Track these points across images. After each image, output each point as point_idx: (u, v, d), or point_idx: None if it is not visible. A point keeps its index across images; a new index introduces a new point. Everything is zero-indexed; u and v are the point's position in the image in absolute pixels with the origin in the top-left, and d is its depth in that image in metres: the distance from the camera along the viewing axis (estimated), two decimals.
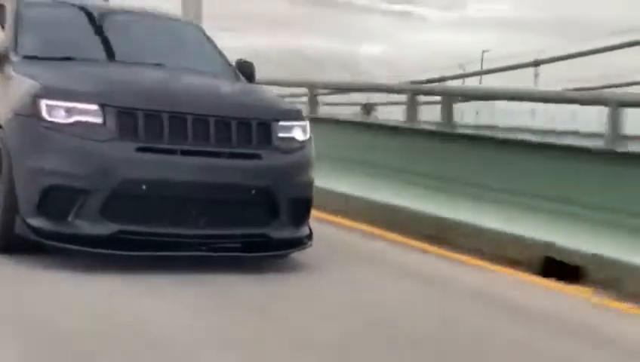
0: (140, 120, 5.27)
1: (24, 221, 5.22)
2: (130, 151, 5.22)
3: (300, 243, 5.81)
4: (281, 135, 5.71)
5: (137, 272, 5.24)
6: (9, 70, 5.95)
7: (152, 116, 5.31)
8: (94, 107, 5.26)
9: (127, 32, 6.83)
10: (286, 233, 5.69)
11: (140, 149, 5.24)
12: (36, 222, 5.20)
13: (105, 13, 6.98)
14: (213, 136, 5.43)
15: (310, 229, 5.93)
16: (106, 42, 6.60)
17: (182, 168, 5.34)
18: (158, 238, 5.31)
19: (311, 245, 5.87)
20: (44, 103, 5.26)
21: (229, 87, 6.43)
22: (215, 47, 7.13)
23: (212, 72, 6.71)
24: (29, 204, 5.21)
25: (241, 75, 6.83)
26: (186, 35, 7.17)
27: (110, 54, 6.44)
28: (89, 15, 6.88)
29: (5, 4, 6.97)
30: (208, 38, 7.21)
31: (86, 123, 5.24)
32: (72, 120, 5.24)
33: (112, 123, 5.24)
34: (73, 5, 7.03)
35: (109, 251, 5.21)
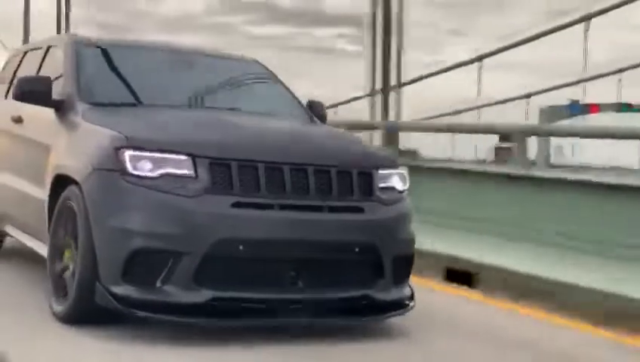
0: (234, 171, 4.70)
1: (106, 289, 4.61)
2: (226, 207, 4.64)
3: (402, 305, 5.21)
4: (381, 185, 5.14)
5: (231, 344, 4.66)
6: (75, 118, 5.40)
7: (247, 167, 4.74)
8: (184, 158, 4.68)
9: (194, 73, 6.31)
10: (390, 294, 5.10)
11: (236, 204, 4.66)
12: (121, 289, 4.59)
13: (163, 52, 6.47)
14: (313, 188, 4.86)
15: (412, 289, 5.34)
16: (174, 85, 6.07)
17: (281, 225, 4.75)
18: (254, 305, 4.71)
19: (413, 306, 5.28)
20: (127, 155, 4.68)
21: (315, 131, 5.87)
22: (283, 85, 6.63)
23: (287, 113, 6.19)
24: (113, 269, 4.61)
25: (314, 117, 6.34)
26: (251, 74, 6.64)
27: (182, 98, 5.90)
28: (150, 55, 6.37)
29: (55, 46, 6.47)
30: (274, 76, 6.70)
31: (175, 176, 4.66)
32: (159, 173, 4.65)
33: (204, 175, 4.66)
34: (130, 46, 6.52)
35: (203, 321, 4.61)
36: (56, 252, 5.12)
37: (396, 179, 5.27)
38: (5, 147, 6.67)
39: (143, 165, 4.66)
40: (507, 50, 21.60)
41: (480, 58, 24.21)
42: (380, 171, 5.16)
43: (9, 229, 6.59)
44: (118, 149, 4.71)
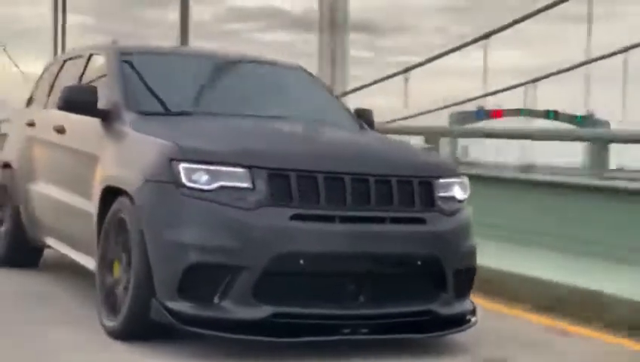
0: (293, 182, 4.51)
1: (162, 304, 4.44)
2: (285, 220, 4.45)
3: (465, 320, 5.00)
4: (442, 194, 4.94)
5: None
6: (123, 128, 5.24)
7: (306, 178, 4.55)
8: (241, 169, 4.50)
9: (239, 80, 6.15)
10: (452, 309, 4.89)
11: (295, 217, 4.47)
12: (177, 305, 4.41)
13: (206, 59, 6.32)
14: (374, 199, 4.67)
15: (473, 304, 5.14)
16: (221, 93, 5.91)
17: (342, 238, 4.55)
18: (315, 321, 4.52)
19: (476, 322, 5.07)
20: (182, 167, 4.50)
21: (370, 139, 5.68)
22: (330, 92, 6.45)
23: (336, 121, 6.01)
24: (169, 284, 4.43)
25: (364, 124, 6.16)
26: (297, 80, 6.47)
27: (229, 106, 5.72)
28: (194, 63, 6.22)
29: (97, 54, 6.33)
30: (319, 82, 6.52)
31: (232, 188, 4.48)
32: (215, 185, 4.48)
33: (262, 187, 4.48)
34: (173, 53, 6.37)
35: (262, 338, 4.42)
36: (107, 266, 4.96)
37: (457, 188, 5.06)
38: (47, 157, 6.53)
39: (198, 177, 4.48)
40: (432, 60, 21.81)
41: (406, 70, 24.47)
42: (441, 180, 4.96)
43: (50, 241, 6.45)
44: (172, 160, 4.53)
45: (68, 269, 6.63)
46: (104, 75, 5.88)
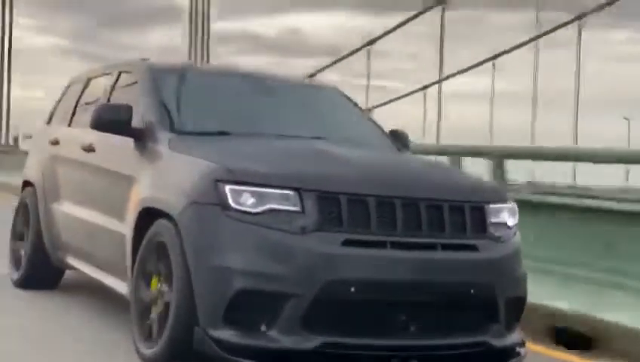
0: (343, 206, 4.32)
1: (206, 333, 4.24)
2: (336, 246, 4.25)
3: (515, 352, 4.80)
4: (493, 220, 4.76)
5: None
6: (160, 148, 5.05)
7: (357, 201, 4.36)
8: (290, 192, 4.31)
9: (276, 100, 5.97)
10: (504, 340, 4.68)
11: (346, 242, 4.28)
12: (221, 334, 4.20)
13: (241, 78, 6.16)
14: (426, 224, 4.48)
15: (522, 335, 4.94)
16: (259, 113, 5.74)
17: (393, 265, 4.36)
18: (365, 352, 4.32)
19: (525, 354, 4.87)
20: (228, 189, 4.31)
21: (414, 162, 5.51)
22: (365, 113, 6.28)
23: (374, 142, 5.85)
24: (213, 312, 4.23)
25: (401, 146, 6.00)
26: (333, 101, 6.31)
27: (268, 127, 5.55)
28: (228, 81, 6.05)
29: (127, 72, 6.16)
30: (354, 103, 6.36)
31: (281, 211, 4.29)
32: (263, 208, 4.29)
33: (311, 210, 4.28)
34: (206, 72, 6.20)
35: None
36: (143, 290, 4.76)
37: (507, 214, 4.87)
38: (73, 177, 6.33)
39: (245, 199, 4.29)
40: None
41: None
42: (491, 205, 4.78)
43: (74, 263, 6.24)
44: (218, 181, 4.34)
45: (89, 289, 6.44)
46: (135, 94, 5.71)
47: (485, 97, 36.02)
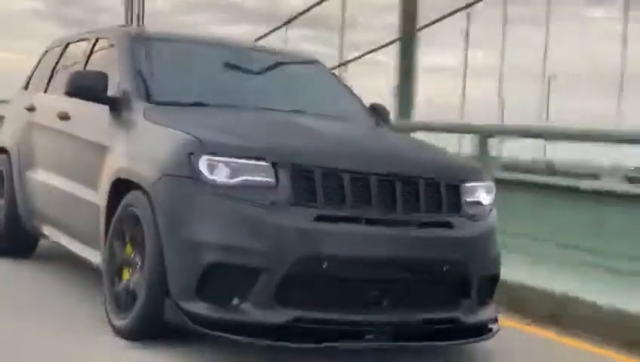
0: (318, 181, 4.30)
1: (177, 306, 4.22)
2: (309, 220, 4.23)
3: (487, 328, 4.82)
4: (468, 199, 4.75)
5: None
6: (136, 118, 5.00)
7: (331, 176, 4.33)
8: (265, 164, 4.28)
9: (255, 71, 5.91)
10: (475, 316, 4.71)
11: (320, 218, 4.26)
12: (193, 306, 4.18)
13: (220, 48, 6.11)
14: (400, 201, 4.47)
15: (495, 311, 4.95)
16: (236, 84, 5.69)
17: (368, 241, 4.34)
18: (337, 327, 4.31)
19: (498, 330, 4.89)
20: (202, 161, 4.27)
21: (393, 138, 5.48)
22: (345, 86, 6.25)
23: (353, 116, 5.82)
24: (185, 285, 4.20)
25: (381, 121, 5.97)
26: (314, 74, 6.26)
27: (245, 99, 5.50)
28: (207, 51, 5.98)
29: (104, 38, 6.08)
30: (336, 77, 6.32)
31: (254, 184, 4.26)
32: (237, 181, 4.25)
33: (285, 184, 4.25)
34: (185, 40, 6.11)
35: (282, 343, 4.20)
36: (115, 261, 4.73)
37: (483, 193, 4.87)
38: (48, 144, 6.26)
39: (218, 172, 4.26)
40: None
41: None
42: (467, 184, 4.77)
43: (48, 231, 6.20)
44: (191, 154, 4.30)
45: (64, 258, 6.40)
46: (112, 61, 5.64)
47: (459, 71, 35.42)
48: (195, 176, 4.26)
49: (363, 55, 26.20)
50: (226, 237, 4.19)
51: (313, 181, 4.29)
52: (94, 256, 5.17)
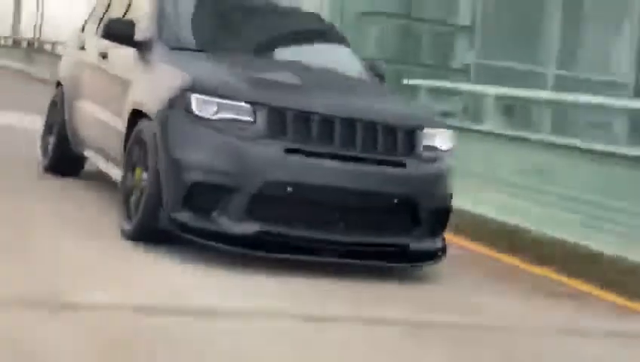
0: (289, 120, 5.20)
1: (168, 215, 5.20)
2: (279, 152, 5.15)
3: (434, 255, 5.68)
4: (425, 143, 5.58)
5: (268, 276, 5.19)
6: (153, 59, 5.95)
7: (301, 117, 5.23)
8: (244, 105, 5.20)
9: (261, 22, 6.83)
10: (424, 244, 5.57)
11: (289, 150, 5.17)
12: (180, 216, 5.16)
13: (240, 2, 6.98)
14: (360, 141, 5.33)
15: (444, 242, 5.79)
16: (245, 34, 6.60)
17: (328, 172, 5.24)
18: (298, 242, 5.24)
19: (445, 258, 5.73)
20: (193, 97, 5.21)
21: (370, 89, 6.33)
22: (345, 41, 7.05)
23: (348, 70, 6.63)
24: (174, 198, 5.18)
25: (372, 74, 6.76)
26: (315, 27, 7.15)
27: (251, 47, 6.42)
28: (226, 4, 6.89)
29: None
30: (336, 32, 7.15)
31: (235, 120, 5.19)
32: (220, 116, 5.18)
33: (262, 122, 5.17)
34: None
35: (249, 251, 5.16)
36: (128, 178, 5.72)
37: (439, 139, 5.69)
38: (92, 79, 7.29)
39: (206, 107, 5.18)
40: None
41: None
42: (425, 130, 5.59)
43: (88, 153, 7.24)
44: (185, 91, 5.23)
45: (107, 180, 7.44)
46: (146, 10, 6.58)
47: None
48: (187, 109, 5.20)
49: None
50: (209, 161, 5.14)
51: (285, 120, 5.19)
52: (116, 174, 6.18)
